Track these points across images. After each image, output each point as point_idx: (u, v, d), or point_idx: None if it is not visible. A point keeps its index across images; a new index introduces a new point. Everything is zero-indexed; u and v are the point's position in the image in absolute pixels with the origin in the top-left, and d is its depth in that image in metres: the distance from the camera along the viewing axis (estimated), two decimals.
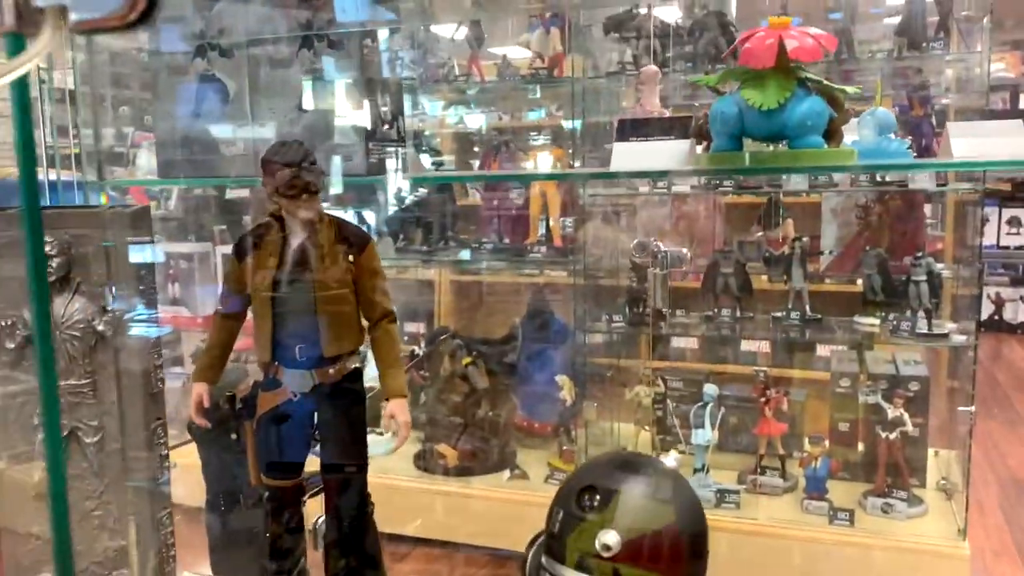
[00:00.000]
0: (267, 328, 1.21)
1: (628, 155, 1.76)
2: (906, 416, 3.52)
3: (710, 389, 3.77)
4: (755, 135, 1.34)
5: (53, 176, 3.48)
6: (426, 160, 4.40)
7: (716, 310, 3.87)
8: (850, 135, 1.79)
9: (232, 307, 1.25)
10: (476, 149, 4.90)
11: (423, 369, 4.09)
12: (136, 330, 1.31)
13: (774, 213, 4.27)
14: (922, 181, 3.38)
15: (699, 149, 1.36)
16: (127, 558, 1.37)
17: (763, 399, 3.78)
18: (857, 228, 3.90)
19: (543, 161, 3.95)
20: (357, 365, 1.28)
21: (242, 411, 1.28)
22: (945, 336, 3.42)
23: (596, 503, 0.89)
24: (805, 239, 3.85)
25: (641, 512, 0.89)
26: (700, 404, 3.75)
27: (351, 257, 1.22)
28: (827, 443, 3.57)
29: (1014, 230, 6.89)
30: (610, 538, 0.86)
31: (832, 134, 1.29)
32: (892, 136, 1.42)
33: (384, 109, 1.75)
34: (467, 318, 4.67)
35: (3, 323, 1.30)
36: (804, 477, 3.52)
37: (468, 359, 4.11)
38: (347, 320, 1.24)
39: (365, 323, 1.28)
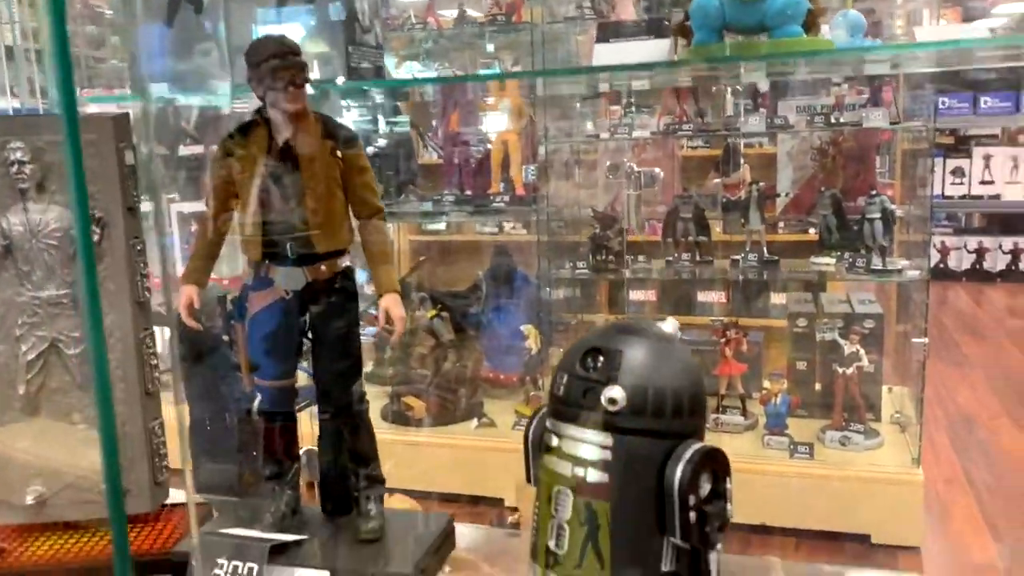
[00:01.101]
0: (256, 226, 1.21)
1: (610, 54, 1.77)
2: (862, 352, 3.61)
3: (668, 327, 3.83)
4: (736, 27, 1.37)
5: None
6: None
7: (676, 255, 3.92)
8: None
9: (219, 207, 1.24)
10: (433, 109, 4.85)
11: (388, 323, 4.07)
12: (118, 237, 1.29)
13: (731, 160, 4.32)
14: (876, 120, 3.45)
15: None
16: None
17: (723, 340, 3.84)
18: (812, 170, 3.97)
19: (504, 108, 3.94)
20: (348, 264, 1.28)
21: (233, 312, 1.27)
22: (899, 271, 3.51)
23: (600, 364, 0.91)
24: (761, 184, 3.91)
25: (643, 369, 0.91)
26: None
27: (339, 153, 1.22)
28: (785, 381, 3.65)
29: (958, 180, 7.08)
30: (616, 393, 0.89)
31: (810, 26, 1.33)
32: (863, 37, 1.47)
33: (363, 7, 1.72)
34: (429, 271, 4.66)
35: None
36: (764, 414, 3.60)
37: (433, 311, 4.10)
38: (337, 216, 1.24)
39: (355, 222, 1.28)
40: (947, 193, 7.01)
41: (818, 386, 3.79)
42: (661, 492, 0.91)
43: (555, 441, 0.96)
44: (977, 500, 3.89)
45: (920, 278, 3.50)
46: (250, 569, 1.20)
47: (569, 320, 4.22)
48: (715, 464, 0.91)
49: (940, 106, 3.75)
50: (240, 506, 1.40)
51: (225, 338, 1.47)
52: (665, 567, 0.93)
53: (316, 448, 1.38)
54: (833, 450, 3.45)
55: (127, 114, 1.30)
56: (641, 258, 4.05)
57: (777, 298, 4.36)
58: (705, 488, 0.90)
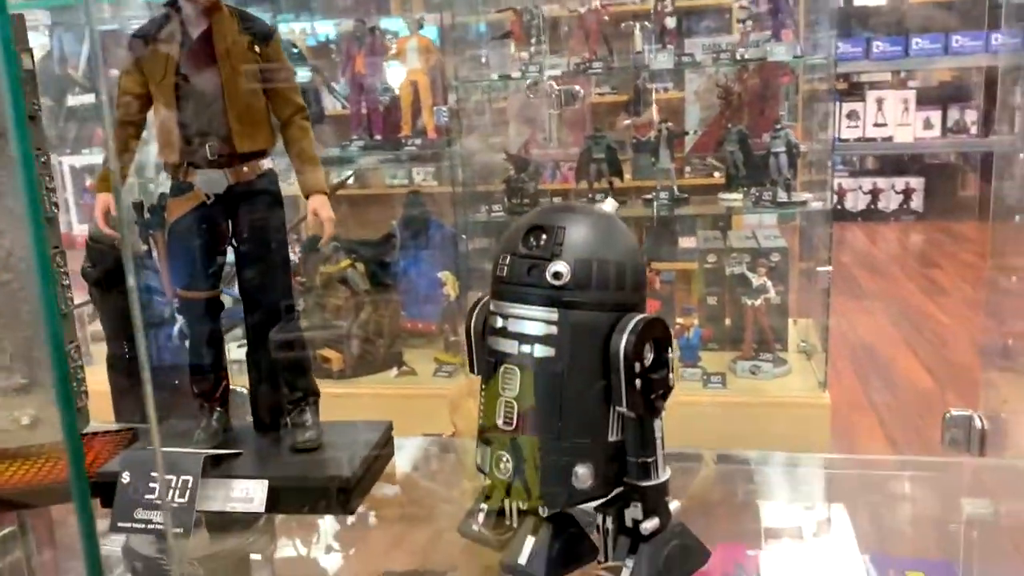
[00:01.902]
0: (173, 126, 1.15)
1: None
2: (769, 283, 3.72)
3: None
4: None
5: None
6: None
7: (590, 196, 3.94)
8: None
9: (131, 110, 1.17)
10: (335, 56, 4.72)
11: (300, 275, 3.99)
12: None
13: (640, 103, 4.37)
14: (781, 54, 3.53)
15: None
16: (28, 397, 1.29)
17: None
18: (719, 108, 4.04)
19: (411, 49, 3.87)
20: (271, 167, 1.23)
21: (151, 220, 1.21)
22: (803, 203, 3.62)
23: (543, 240, 0.91)
24: (669, 124, 3.96)
25: (587, 244, 0.91)
26: None
27: (257, 48, 1.17)
28: (697, 316, 3.74)
29: (853, 123, 7.33)
30: (560, 267, 0.88)
31: None
32: None
33: None
34: (339, 222, 4.57)
35: None
36: (678, 348, 3.68)
37: (346, 262, 4.03)
38: (258, 114, 1.19)
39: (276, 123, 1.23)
40: (843, 136, 7.25)
41: (728, 320, 3.90)
42: (606, 363, 0.91)
43: (500, 322, 0.96)
44: (879, 421, 4.09)
45: (823, 209, 3.62)
46: (184, 482, 1.16)
47: (487, 266, 4.21)
48: (658, 333, 0.92)
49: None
50: (167, 429, 1.35)
51: (144, 247, 1.41)
52: (612, 437, 0.94)
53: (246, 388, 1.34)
54: (744, 379, 3.56)
55: (21, 15, 1.21)
56: (557, 200, 4.07)
57: (686, 242, 4.44)
58: (649, 357, 0.91)
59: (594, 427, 0.93)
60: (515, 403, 0.94)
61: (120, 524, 1.17)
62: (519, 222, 0.97)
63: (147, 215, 1.21)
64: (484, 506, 1.09)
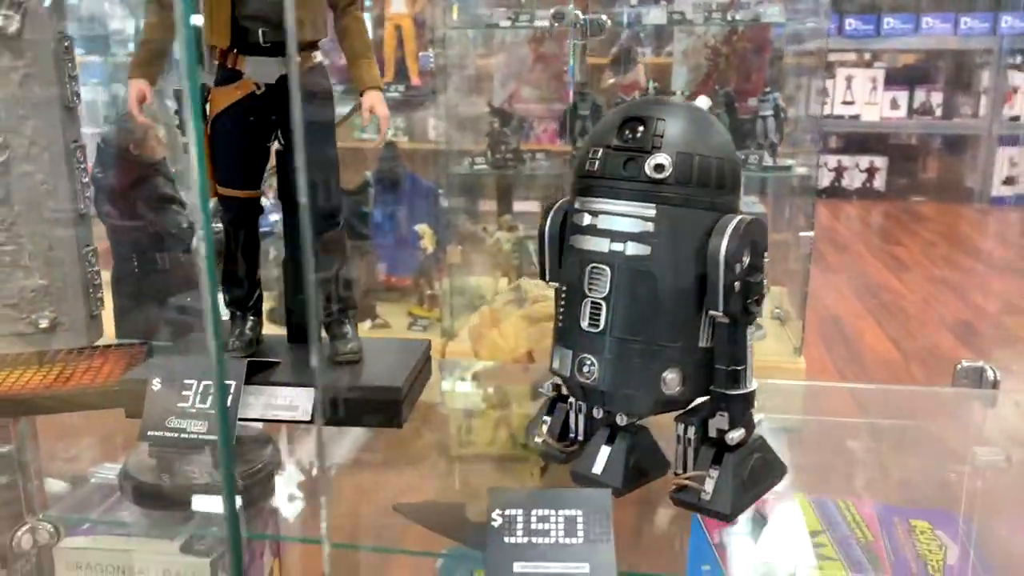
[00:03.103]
0: (225, 7, 1.07)
1: None
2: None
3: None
4: None
5: None
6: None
7: (573, 154, 3.90)
8: None
9: None
10: None
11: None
12: (43, 28, 1.13)
13: (626, 61, 4.32)
14: (773, 16, 3.51)
15: None
16: (47, 299, 1.21)
17: None
18: (707, 70, 4.02)
19: None
20: (322, 59, 1.16)
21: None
22: (788, 168, 3.62)
23: (640, 133, 0.86)
24: (656, 83, 3.93)
25: (688, 137, 0.87)
26: None
27: None
28: None
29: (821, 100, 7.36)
30: (663, 159, 0.84)
31: None
32: None
33: None
34: None
35: None
36: None
37: None
38: (313, 1, 1.12)
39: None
40: (811, 112, 7.28)
41: None
42: (702, 264, 0.88)
43: (587, 220, 0.91)
44: (849, 389, 4.14)
45: (808, 174, 3.63)
46: (225, 387, 1.09)
47: (465, 218, 4.15)
48: (756, 235, 0.88)
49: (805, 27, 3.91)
50: (193, 341, 1.28)
51: (161, 157, 1.33)
52: (702, 342, 0.91)
53: None
54: None
55: None
56: (540, 155, 4.02)
57: None
58: (746, 260, 0.88)
59: (685, 331, 0.90)
60: (603, 304, 0.90)
61: (151, 433, 1.10)
62: (611, 115, 0.92)
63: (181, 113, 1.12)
64: (547, 418, 1.05)
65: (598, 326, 0.90)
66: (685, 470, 0.94)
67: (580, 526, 0.83)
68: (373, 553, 1.45)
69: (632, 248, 0.88)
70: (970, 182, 7.36)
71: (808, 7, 3.73)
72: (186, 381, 1.11)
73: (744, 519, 0.96)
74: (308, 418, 1.12)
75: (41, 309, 1.21)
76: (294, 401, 1.13)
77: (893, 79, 7.48)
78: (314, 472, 1.44)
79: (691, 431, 0.92)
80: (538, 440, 1.04)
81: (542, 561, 0.82)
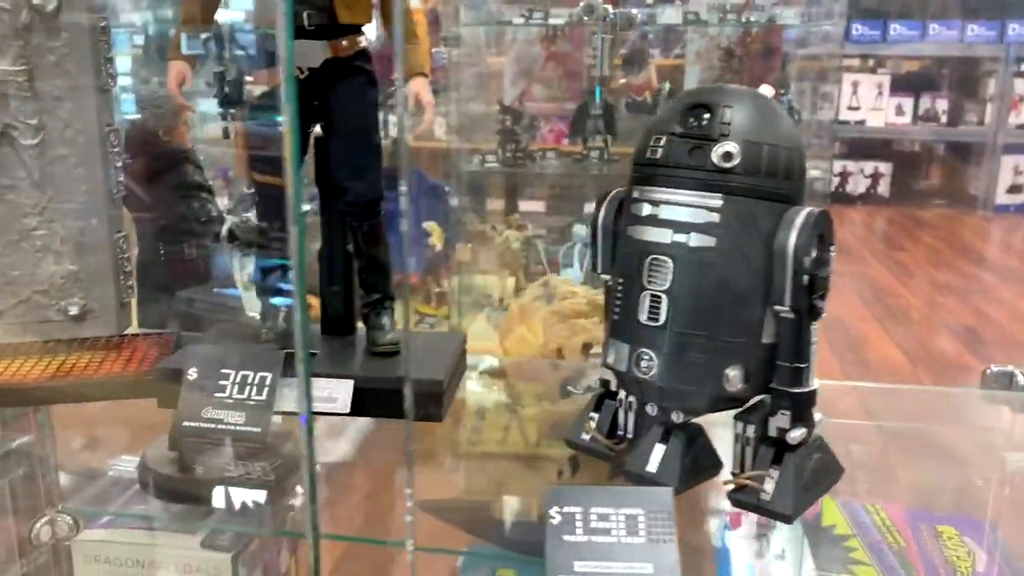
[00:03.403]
0: None
1: None
2: None
3: (579, 229, 3.81)
4: None
5: None
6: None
7: (585, 152, 3.88)
8: None
9: None
10: None
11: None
12: (80, 6, 1.10)
13: (637, 62, 4.30)
14: (789, 18, 3.49)
15: None
16: (77, 285, 1.18)
17: None
18: (720, 71, 4.00)
19: None
20: (367, 45, 1.13)
21: (231, 94, 1.10)
22: None
23: (706, 120, 0.84)
24: (668, 84, 3.91)
25: (756, 125, 0.85)
26: (569, 244, 3.80)
27: None
28: None
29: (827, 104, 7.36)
30: (731, 147, 0.82)
31: None
32: None
33: None
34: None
35: None
36: None
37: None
38: None
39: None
40: (818, 117, 7.28)
41: None
42: (769, 257, 0.85)
43: (647, 210, 0.89)
44: (857, 394, 4.12)
45: (823, 176, 3.61)
46: (262, 379, 1.07)
47: (474, 216, 4.13)
48: (823, 228, 0.86)
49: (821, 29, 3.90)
50: (223, 330, 1.25)
51: (190, 144, 1.30)
52: (765, 338, 0.88)
53: None
54: None
55: None
56: (551, 154, 3.99)
57: None
58: (813, 254, 0.85)
59: (749, 327, 0.87)
60: (664, 297, 0.87)
61: (186, 424, 1.08)
62: (673, 102, 0.90)
63: (226, 89, 1.10)
64: (595, 415, 1.02)
65: (658, 320, 0.87)
66: (743, 470, 0.91)
67: (642, 525, 0.81)
68: (393, 550, 1.42)
69: (696, 239, 0.86)
70: (974, 189, 7.35)
71: (822, 11, 3.72)
72: (223, 371, 1.08)
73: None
74: (347, 410, 1.10)
75: (71, 296, 1.18)
76: (333, 393, 1.10)
77: (899, 85, 7.48)
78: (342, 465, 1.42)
79: (750, 430, 0.90)
80: (585, 437, 1.01)
81: (604, 561, 0.79)
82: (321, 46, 1.09)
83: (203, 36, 1.11)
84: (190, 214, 1.37)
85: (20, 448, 1.44)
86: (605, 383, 1.02)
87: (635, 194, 0.90)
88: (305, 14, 1.07)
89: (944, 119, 7.44)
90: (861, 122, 7.46)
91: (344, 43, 1.09)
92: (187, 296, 1.43)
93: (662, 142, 0.87)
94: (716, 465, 0.96)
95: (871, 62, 7.55)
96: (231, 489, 1.35)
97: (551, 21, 3.72)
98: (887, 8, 7.14)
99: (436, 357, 1.17)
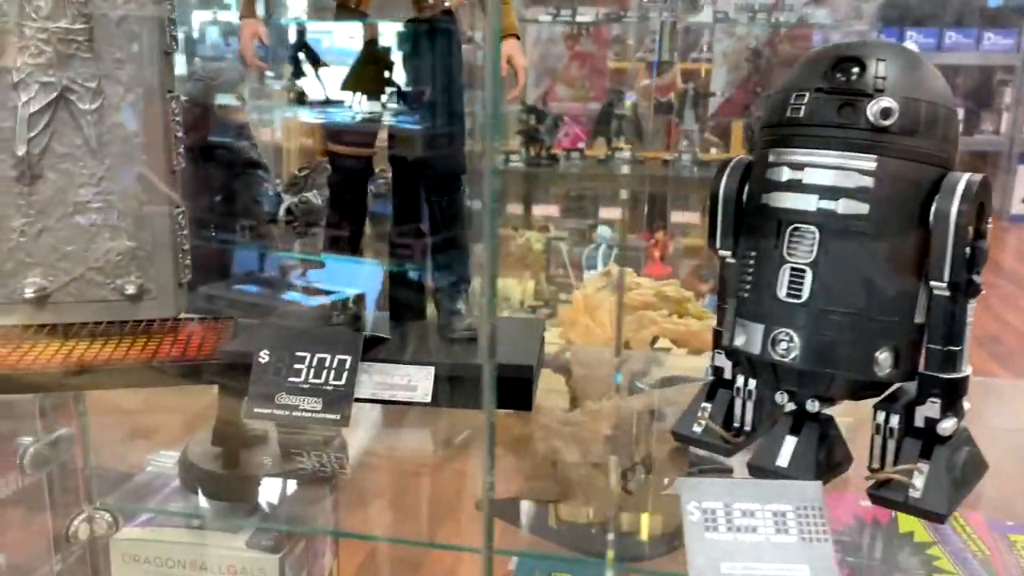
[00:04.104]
0: None
1: None
2: None
3: (603, 231, 3.75)
4: None
5: None
6: None
7: (611, 153, 3.82)
8: None
9: None
10: None
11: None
12: None
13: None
14: (821, 18, 3.44)
15: None
16: (134, 263, 1.10)
17: (652, 242, 3.79)
18: (747, 71, 3.94)
19: None
20: (451, 3, 1.05)
21: (307, 55, 1.02)
22: None
23: (857, 74, 0.76)
24: (692, 84, 3.85)
25: (912, 80, 0.77)
26: (593, 246, 3.73)
27: None
28: (712, 281, 3.63)
29: None
30: (888, 103, 0.74)
31: None
32: None
33: None
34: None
35: None
36: None
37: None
38: None
39: None
40: None
41: None
42: (925, 227, 0.77)
43: (787, 174, 0.80)
44: None
45: None
46: (341, 362, 0.98)
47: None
48: (986, 197, 0.78)
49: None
50: (283, 312, 1.17)
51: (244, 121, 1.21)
52: (918, 318, 0.80)
53: None
54: None
55: None
56: (575, 155, 3.93)
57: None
58: (975, 224, 0.77)
59: (902, 304, 0.79)
60: (808, 271, 0.79)
61: (258, 410, 0.99)
62: (812, 56, 0.81)
63: (300, 52, 1.02)
64: (707, 405, 0.94)
65: (799, 296, 0.79)
66: (883, 464, 0.83)
67: (792, 522, 0.73)
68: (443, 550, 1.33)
69: (845, 206, 0.78)
70: None
71: (852, 12, 3.67)
72: (298, 354, 0.99)
73: None
74: (428, 399, 1.01)
75: (127, 274, 1.09)
76: (413, 380, 1.01)
77: None
78: (379, 467, 1.33)
79: (894, 420, 0.82)
80: (697, 429, 0.93)
81: (753, 561, 0.71)
82: (405, 2, 1.01)
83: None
84: (246, 193, 1.29)
85: (59, 440, 1.36)
86: (718, 370, 0.94)
87: (770, 158, 0.82)
88: None
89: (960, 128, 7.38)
90: None
91: (430, 0, 1.01)
92: (243, 278, 1.35)
93: (805, 99, 0.79)
94: (847, 459, 0.88)
95: None
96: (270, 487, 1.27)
97: (579, 19, 3.66)
98: (904, 16, 7.09)
99: (519, 343, 1.09)
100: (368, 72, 1.02)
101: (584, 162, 3.97)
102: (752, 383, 0.90)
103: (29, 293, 1.06)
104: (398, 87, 1.05)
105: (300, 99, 1.04)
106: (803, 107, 0.79)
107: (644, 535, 1.10)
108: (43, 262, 1.07)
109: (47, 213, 1.06)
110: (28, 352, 1.06)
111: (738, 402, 0.91)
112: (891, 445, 0.82)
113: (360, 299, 1.15)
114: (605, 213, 4.17)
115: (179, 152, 1.12)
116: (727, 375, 0.93)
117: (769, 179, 0.82)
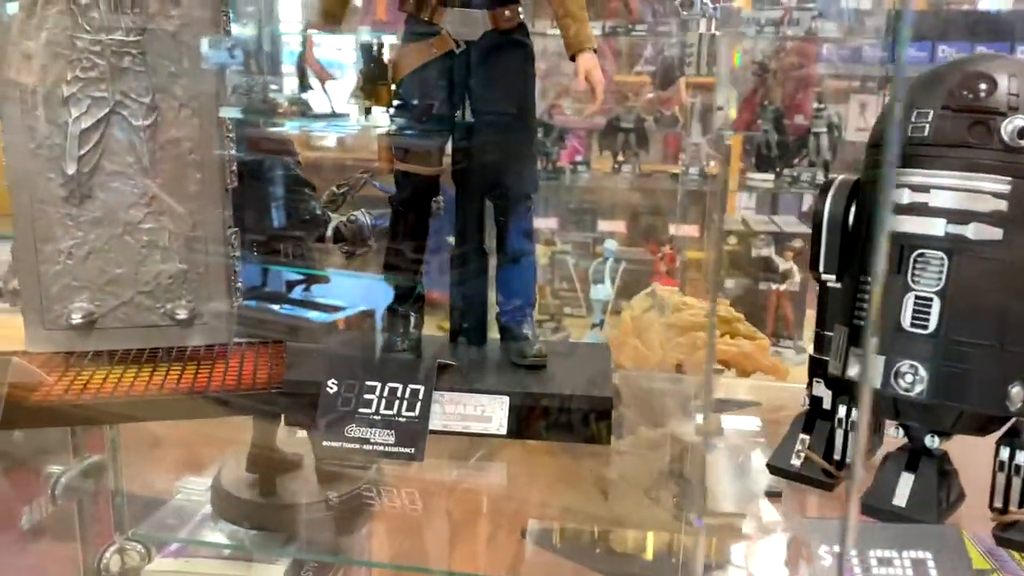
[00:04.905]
0: None
1: None
2: (795, 268, 3.61)
3: (610, 244, 3.70)
4: None
5: None
6: None
7: (616, 166, 3.78)
8: None
9: None
10: None
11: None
12: None
13: (666, 77, 4.20)
14: (830, 31, 3.42)
15: None
16: (186, 286, 1.04)
17: (659, 255, 3.75)
18: (753, 85, 3.91)
19: None
20: (523, 18, 1.00)
21: (373, 71, 0.96)
22: None
23: (986, 91, 0.72)
24: (699, 98, 3.82)
25: None
26: (600, 260, 3.68)
27: None
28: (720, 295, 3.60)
29: None
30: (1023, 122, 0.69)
31: None
32: None
33: None
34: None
35: None
36: None
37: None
38: None
39: None
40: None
41: (748, 303, 3.78)
42: None
43: (910, 197, 0.76)
44: None
45: None
46: (414, 392, 0.93)
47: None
48: None
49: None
50: (343, 344, 1.11)
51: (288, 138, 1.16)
52: None
53: None
54: None
55: None
56: (581, 168, 3.89)
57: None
58: None
59: None
60: (935, 299, 0.74)
61: (327, 444, 0.93)
62: (933, 72, 0.77)
63: (371, 66, 0.96)
64: (805, 436, 0.89)
65: (926, 326, 0.75)
66: (1006, 503, 0.78)
67: (933, 571, 0.68)
68: None
69: (976, 231, 0.73)
70: None
71: (859, 27, 3.65)
72: (368, 383, 0.94)
73: None
74: (504, 431, 0.96)
75: (178, 298, 1.03)
76: (487, 411, 0.96)
77: None
78: (414, 498, 1.28)
79: (1021, 456, 0.77)
80: (796, 462, 0.88)
81: None
82: (481, 16, 0.96)
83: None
84: (295, 212, 1.23)
85: (90, 469, 1.30)
86: (816, 400, 0.89)
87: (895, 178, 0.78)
88: None
89: None
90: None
91: (507, 13, 0.96)
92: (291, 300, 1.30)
93: (929, 117, 0.75)
94: (962, 496, 0.83)
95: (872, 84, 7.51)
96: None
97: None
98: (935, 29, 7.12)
99: (590, 370, 1.04)
100: (440, 86, 0.97)
101: (590, 175, 3.93)
102: (855, 413, 0.85)
103: (76, 318, 1.00)
104: (471, 102, 1.00)
105: (367, 112, 0.98)
106: (927, 126, 0.75)
107: (700, 566, 1.05)
108: (91, 285, 1.01)
109: (96, 234, 1.00)
110: (75, 381, 1.00)
111: (839, 433, 0.86)
112: (1016, 483, 0.78)
113: (420, 323, 1.09)
114: (610, 226, 4.12)
115: (232, 170, 1.06)
116: (826, 404, 0.88)
117: (891, 201, 0.78)
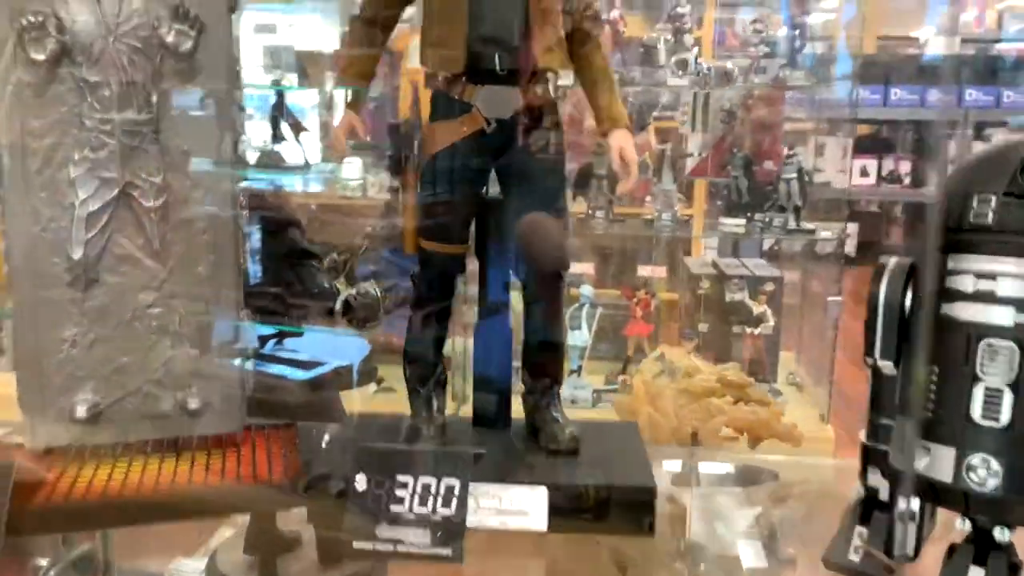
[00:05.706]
0: (460, 25, 0.88)
1: None
2: (769, 312, 3.63)
3: (586, 290, 3.68)
4: None
5: None
6: None
7: (590, 212, 3.77)
8: None
9: (378, 7, 0.90)
10: None
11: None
12: (217, 45, 0.93)
13: (637, 124, 4.23)
14: (798, 80, 3.47)
15: None
16: (196, 374, 0.98)
17: (633, 300, 3.75)
18: (721, 132, 3.95)
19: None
20: (553, 94, 0.98)
21: (402, 151, 0.92)
22: (812, 231, 3.56)
23: None
24: (669, 144, 3.85)
25: None
26: (576, 306, 3.65)
27: None
28: (696, 339, 3.60)
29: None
30: None
31: None
32: None
33: None
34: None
35: (27, 21, 0.86)
36: None
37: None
38: (557, 19, 0.94)
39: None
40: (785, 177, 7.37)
41: (722, 348, 3.77)
42: None
43: (973, 284, 0.74)
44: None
45: (833, 237, 3.57)
46: (449, 489, 0.88)
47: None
48: None
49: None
50: (363, 422, 1.06)
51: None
52: None
53: None
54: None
55: None
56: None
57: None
58: None
59: None
60: (1007, 391, 0.72)
61: (358, 546, 0.88)
62: (992, 153, 0.76)
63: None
64: (863, 529, 0.86)
65: (998, 419, 0.72)
66: None
67: None
68: None
69: None
70: None
71: (826, 73, 3.72)
72: (400, 478, 0.89)
73: None
74: (545, 527, 0.91)
75: (189, 386, 0.98)
76: (523, 504, 0.91)
77: (862, 148, 7.63)
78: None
79: None
80: (854, 557, 0.85)
81: None
82: (512, 94, 0.93)
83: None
84: (302, 286, 1.18)
85: (80, 560, 1.22)
86: (871, 490, 0.86)
87: (950, 264, 0.76)
88: (496, 56, 0.91)
89: (907, 180, 7.60)
90: (827, 184, 7.56)
91: (539, 91, 0.94)
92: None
93: (992, 204, 0.73)
94: None
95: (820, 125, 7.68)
96: None
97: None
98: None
99: (630, 455, 1.00)
100: (470, 165, 0.94)
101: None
102: (915, 504, 0.82)
103: (81, 412, 0.93)
104: (500, 178, 0.97)
105: (394, 188, 0.95)
106: (990, 212, 0.73)
107: None
108: (95, 375, 0.95)
109: (102, 321, 0.94)
110: (78, 478, 0.93)
111: (899, 526, 0.83)
112: None
113: (443, 406, 1.05)
114: (581, 269, 4.11)
115: (244, 250, 1.01)
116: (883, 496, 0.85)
117: (950, 288, 0.76)
